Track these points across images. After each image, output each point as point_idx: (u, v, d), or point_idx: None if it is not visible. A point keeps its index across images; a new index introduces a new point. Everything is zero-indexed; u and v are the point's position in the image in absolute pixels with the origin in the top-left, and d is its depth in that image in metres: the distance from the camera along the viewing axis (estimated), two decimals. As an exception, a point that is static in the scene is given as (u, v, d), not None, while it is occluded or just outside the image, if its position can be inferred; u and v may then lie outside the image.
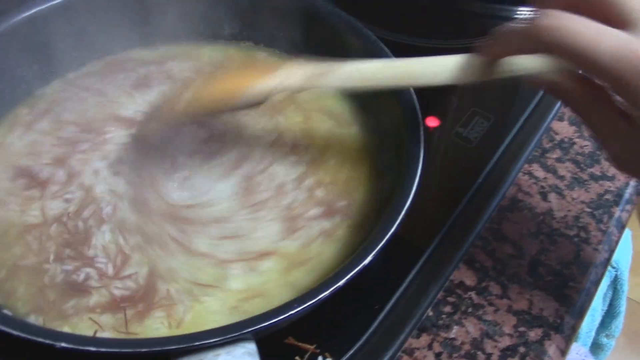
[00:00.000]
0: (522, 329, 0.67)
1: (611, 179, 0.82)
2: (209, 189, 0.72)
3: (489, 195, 0.77)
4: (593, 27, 0.50)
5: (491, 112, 0.86)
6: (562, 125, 0.89)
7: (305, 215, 0.70)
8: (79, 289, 0.63)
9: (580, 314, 0.70)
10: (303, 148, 0.77)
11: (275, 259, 0.67)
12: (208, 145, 0.76)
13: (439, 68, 0.64)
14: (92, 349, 0.51)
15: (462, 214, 0.75)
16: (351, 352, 0.63)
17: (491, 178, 0.79)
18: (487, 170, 0.79)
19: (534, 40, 0.52)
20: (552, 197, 0.79)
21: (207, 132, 0.77)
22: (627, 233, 1.24)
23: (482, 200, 0.77)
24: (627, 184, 0.81)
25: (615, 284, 1.23)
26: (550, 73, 0.59)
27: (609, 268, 1.18)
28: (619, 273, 1.21)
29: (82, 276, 0.64)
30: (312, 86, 0.67)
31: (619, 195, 0.80)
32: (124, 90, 0.83)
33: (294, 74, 0.67)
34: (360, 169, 0.75)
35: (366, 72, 0.66)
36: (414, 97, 0.72)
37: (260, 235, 0.69)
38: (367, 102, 0.81)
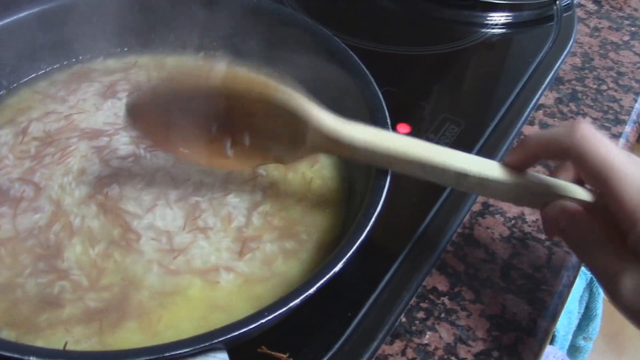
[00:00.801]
0: (495, 333, 0.68)
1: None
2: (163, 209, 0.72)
3: (460, 201, 0.78)
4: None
5: (462, 118, 0.87)
6: (533, 129, 0.90)
7: (258, 238, 0.70)
8: (53, 302, 0.63)
9: (553, 317, 0.71)
10: (264, 170, 0.77)
11: (230, 275, 0.67)
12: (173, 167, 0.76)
13: (488, 166, 0.64)
14: (63, 362, 0.52)
15: (434, 220, 0.76)
16: (324, 359, 0.63)
17: (463, 183, 0.79)
18: (458, 175, 0.80)
19: (564, 144, 0.56)
20: (524, 201, 0.80)
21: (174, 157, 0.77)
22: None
23: (453, 206, 0.77)
24: (597, 187, 0.82)
25: (591, 286, 1.24)
26: (572, 202, 0.61)
27: (584, 271, 1.19)
28: (594, 276, 1.22)
29: (56, 289, 0.64)
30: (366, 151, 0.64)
31: (590, 198, 0.81)
32: (88, 100, 0.83)
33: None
34: (327, 190, 0.76)
35: (418, 149, 0.64)
36: (384, 104, 0.72)
37: (207, 254, 0.69)
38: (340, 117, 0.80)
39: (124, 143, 0.77)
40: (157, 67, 0.88)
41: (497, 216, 0.78)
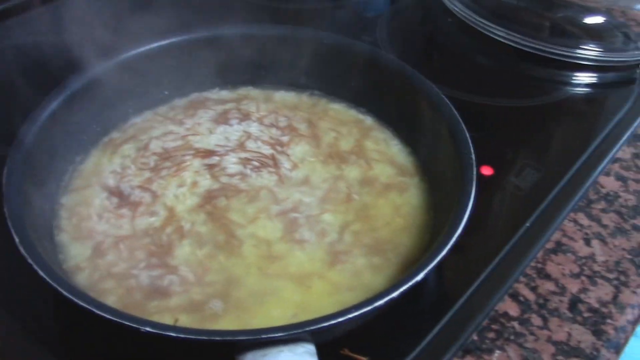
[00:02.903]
0: (560, 357, 0.73)
1: (654, 230, 0.88)
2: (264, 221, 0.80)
3: (535, 238, 0.83)
4: None
5: (542, 165, 0.93)
6: (609, 179, 0.95)
7: (349, 252, 0.77)
8: (162, 292, 0.72)
9: (617, 350, 0.75)
10: (357, 195, 0.84)
11: (322, 282, 0.74)
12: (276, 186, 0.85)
13: None
14: (172, 334, 0.59)
15: (510, 252, 0.81)
16: (401, 365, 0.70)
17: (538, 223, 0.85)
18: (535, 215, 0.86)
19: None
20: (595, 243, 0.85)
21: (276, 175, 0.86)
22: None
23: (529, 242, 0.83)
24: (669, 237, 0.87)
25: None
26: None
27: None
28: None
29: (165, 281, 0.73)
30: None
31: (660, 246, 0.86)
32: (203, 124, 0.93)
33: None
34: (414, 216, 0.82)
35: None
36: (472, 149, 0.78)
37: (302, 262, 0.76)
38: (430, 154, 0.88)
39: (232, 163, 0.86)
40: (265, 100, 0.98)
41: (569, 254, 0.83)
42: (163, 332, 0.59)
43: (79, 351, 0.72)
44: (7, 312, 0.73)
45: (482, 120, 1.02)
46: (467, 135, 0.79)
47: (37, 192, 0.77)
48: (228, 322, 0.69)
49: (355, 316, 0.61)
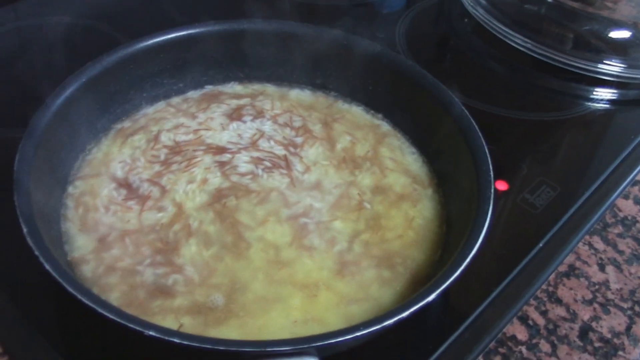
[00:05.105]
0: (567, 386, 0.71)
1: (670, 260, 0.86)
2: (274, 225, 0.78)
3: (547, 260, 0.82)
4: None
5: (558, 183, 0.91)
6: (627, 203, 0.93)
7: (358, 263, 0.75)
8: (166, 292, 0.70)
9: (627, 384, 0.74)
10: (369, 203, 0.82)
11: (329, 292, 0.72)
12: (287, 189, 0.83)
13: None
14: (176, 340, 0.57)
15: (521, 273, 0.80)
16: (404, 385, 0.68)
17: (552, 244, 0.83)
18: (548, 236, 0.84)
19: None
20: (610, 269, 0.83)
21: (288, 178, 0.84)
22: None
23: (541, 264, 0.81)
24: (685, 267, 0.85)
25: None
26: None
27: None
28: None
29: (170, 281, 0.71)
30: None
31: (676, 276, 0.84)
32: (216, 119, 0.91)
33: None
34: (427, 229, 0.81)
35: None
36: (490, 166, 0.76)
37: (310, 270, 0.74)
38: (446, 166, 0.86)
39: (244, 161, 0.84)
40: (280, 98, 0.95)
41: (582, 279, 0.82)
42: (167, 338, 0.57)
43: (77, 343, 0.70)
44: (11, 299, 0.72)
45: (497, 132, 1.00)
46: (487, 151, 0.77)
47: (48, 180, 0.75)
48: (231, 327, 0.68)
49: (364, 334, 0.60)
